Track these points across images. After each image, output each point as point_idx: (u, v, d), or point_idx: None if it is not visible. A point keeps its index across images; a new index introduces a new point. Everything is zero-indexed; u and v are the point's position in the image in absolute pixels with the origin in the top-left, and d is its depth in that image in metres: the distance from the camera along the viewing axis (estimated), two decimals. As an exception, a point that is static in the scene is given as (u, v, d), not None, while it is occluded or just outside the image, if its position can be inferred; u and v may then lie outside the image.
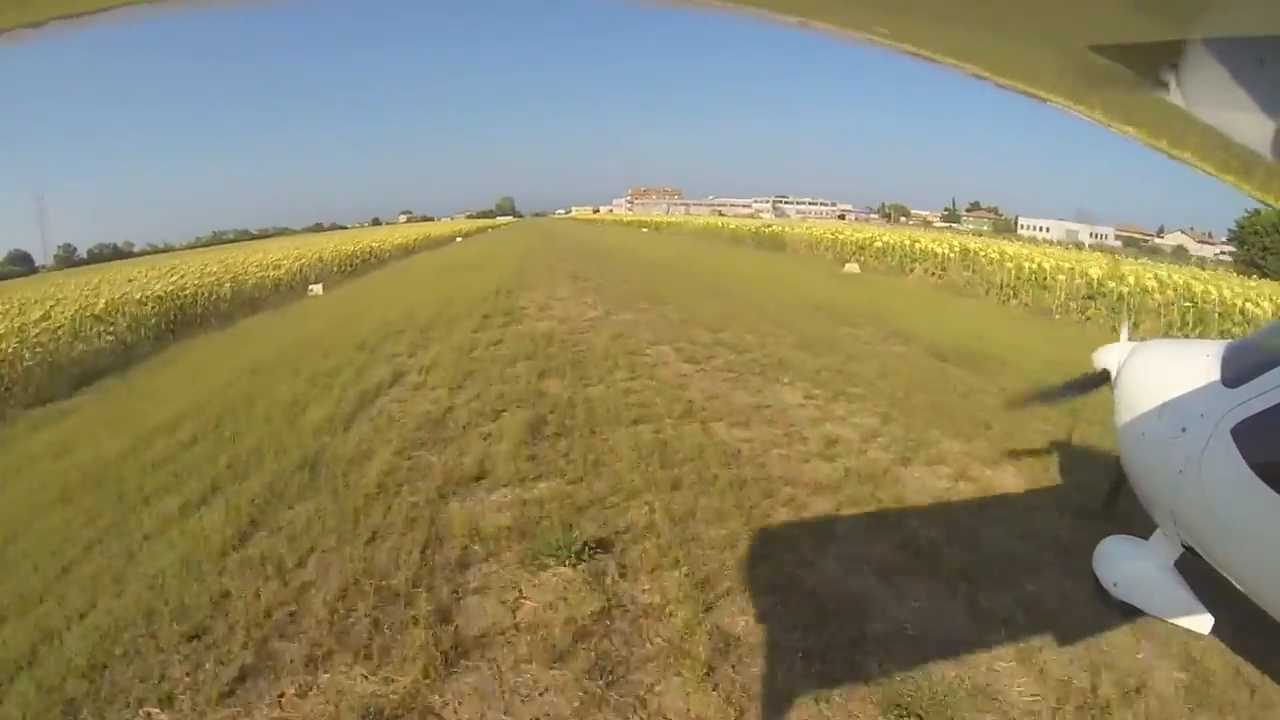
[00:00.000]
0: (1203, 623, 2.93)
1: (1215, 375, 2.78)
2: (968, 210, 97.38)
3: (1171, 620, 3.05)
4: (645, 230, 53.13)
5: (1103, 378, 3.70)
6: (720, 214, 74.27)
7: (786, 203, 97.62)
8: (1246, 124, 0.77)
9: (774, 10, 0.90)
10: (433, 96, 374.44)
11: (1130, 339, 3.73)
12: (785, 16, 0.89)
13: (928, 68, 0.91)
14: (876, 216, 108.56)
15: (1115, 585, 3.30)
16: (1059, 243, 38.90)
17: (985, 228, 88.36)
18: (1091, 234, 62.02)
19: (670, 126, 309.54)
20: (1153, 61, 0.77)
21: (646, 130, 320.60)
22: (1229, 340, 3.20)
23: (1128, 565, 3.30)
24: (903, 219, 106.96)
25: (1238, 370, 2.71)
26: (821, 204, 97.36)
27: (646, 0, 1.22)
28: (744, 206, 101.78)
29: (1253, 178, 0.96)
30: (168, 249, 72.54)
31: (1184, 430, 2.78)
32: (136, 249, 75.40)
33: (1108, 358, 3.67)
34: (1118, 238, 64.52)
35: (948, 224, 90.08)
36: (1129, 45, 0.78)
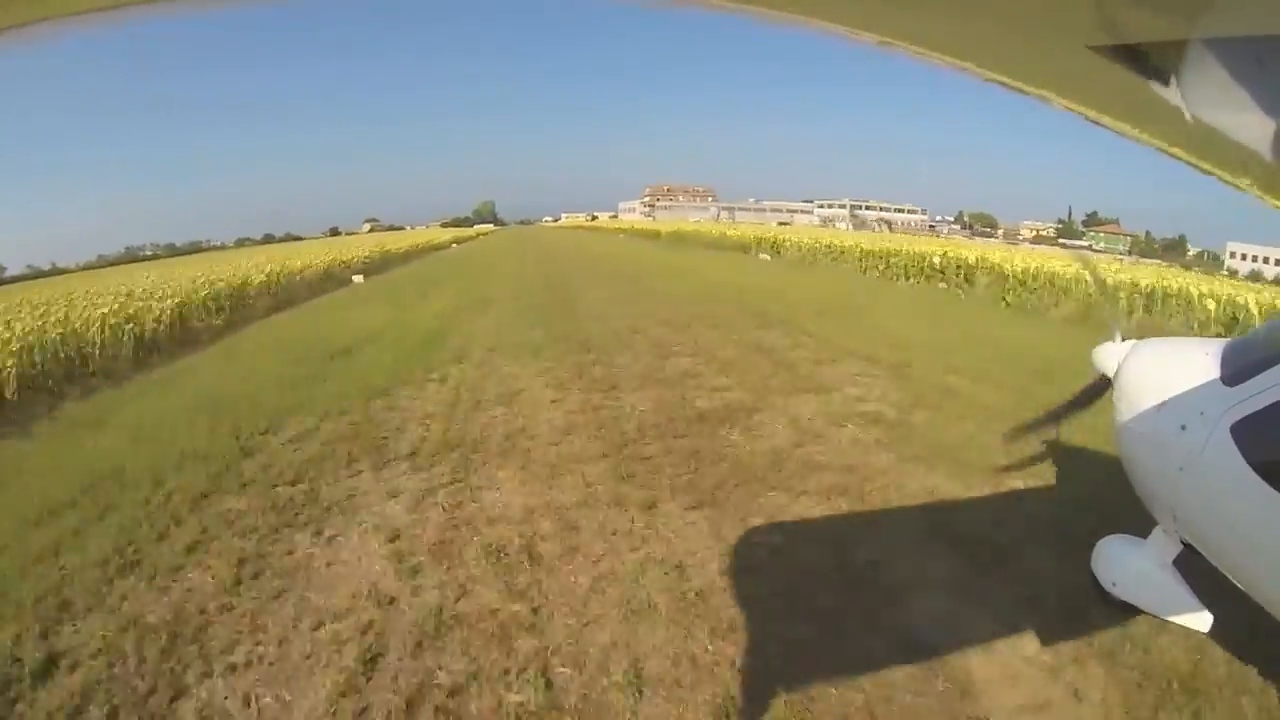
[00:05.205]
0: (1202, 621, 2.99)
1: (1215, 373, 2.78)
2: (1084, 223, 78.14)
3: (1171, 618, 3.13)
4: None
5: (1103, 385, 3.58)
6: (831, 225, 52.44)
7: (866, 208, 77.70)
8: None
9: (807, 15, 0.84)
10: (407, 89, 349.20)
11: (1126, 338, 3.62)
12: (828, 23, 0.83)
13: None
14: (957, 226, 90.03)
15: (1114, 584, 3.36)
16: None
17: (1122, 249, 69.98)
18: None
19: (687, 118, 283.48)
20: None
21: (657, 122, 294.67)
22: (1228, 338, 3.17)
23: (1126, 564, 3.34)
24: (988, 231, 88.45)
25: (1237, 368, 2.70)
26: (909, 211, 77.49)
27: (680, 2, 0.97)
28: (802, 213, 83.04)
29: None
30: (58, 271, 53.69)
31: (1183, 428, 2.77)
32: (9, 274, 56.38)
33: (1107, 356, 3.55)
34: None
35: (1074, 244, 71.53)
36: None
